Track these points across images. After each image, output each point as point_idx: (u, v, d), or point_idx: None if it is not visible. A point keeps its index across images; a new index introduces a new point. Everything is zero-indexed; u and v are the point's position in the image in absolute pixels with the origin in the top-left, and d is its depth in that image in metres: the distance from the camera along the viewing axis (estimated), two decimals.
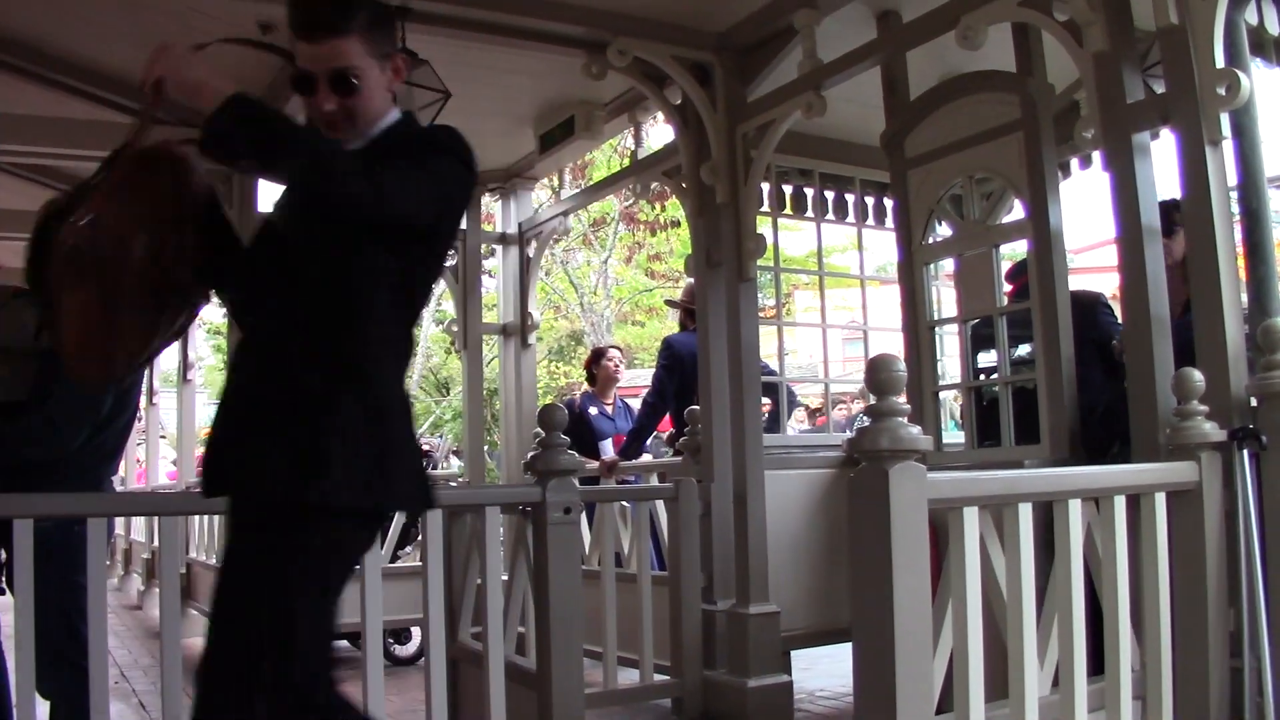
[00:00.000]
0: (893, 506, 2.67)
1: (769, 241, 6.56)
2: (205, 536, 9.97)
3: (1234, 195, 4.20)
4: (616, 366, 9.66)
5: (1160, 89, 4.31)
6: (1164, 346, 4.15)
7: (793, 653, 6.46)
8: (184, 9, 6.52)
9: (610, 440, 9.12)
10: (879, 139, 6.08)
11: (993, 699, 3.06)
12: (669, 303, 9.78)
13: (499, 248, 9.83)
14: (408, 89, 6.17)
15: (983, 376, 5.67)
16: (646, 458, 9.12)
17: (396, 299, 2.97)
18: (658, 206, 20.32)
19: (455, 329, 9.75)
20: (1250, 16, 4.39)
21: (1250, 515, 3.74)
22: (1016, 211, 5.38)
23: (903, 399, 2.75)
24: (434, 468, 18.30)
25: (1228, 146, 4.07)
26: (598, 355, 9.86)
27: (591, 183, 14.15)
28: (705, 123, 6.44)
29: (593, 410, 9.20)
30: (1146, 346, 4.16)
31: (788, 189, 7.33)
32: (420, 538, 4.74)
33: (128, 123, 7.78)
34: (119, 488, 15.85)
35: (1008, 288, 5.68)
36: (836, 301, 8.89)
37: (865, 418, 2.83)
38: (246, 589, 2.76)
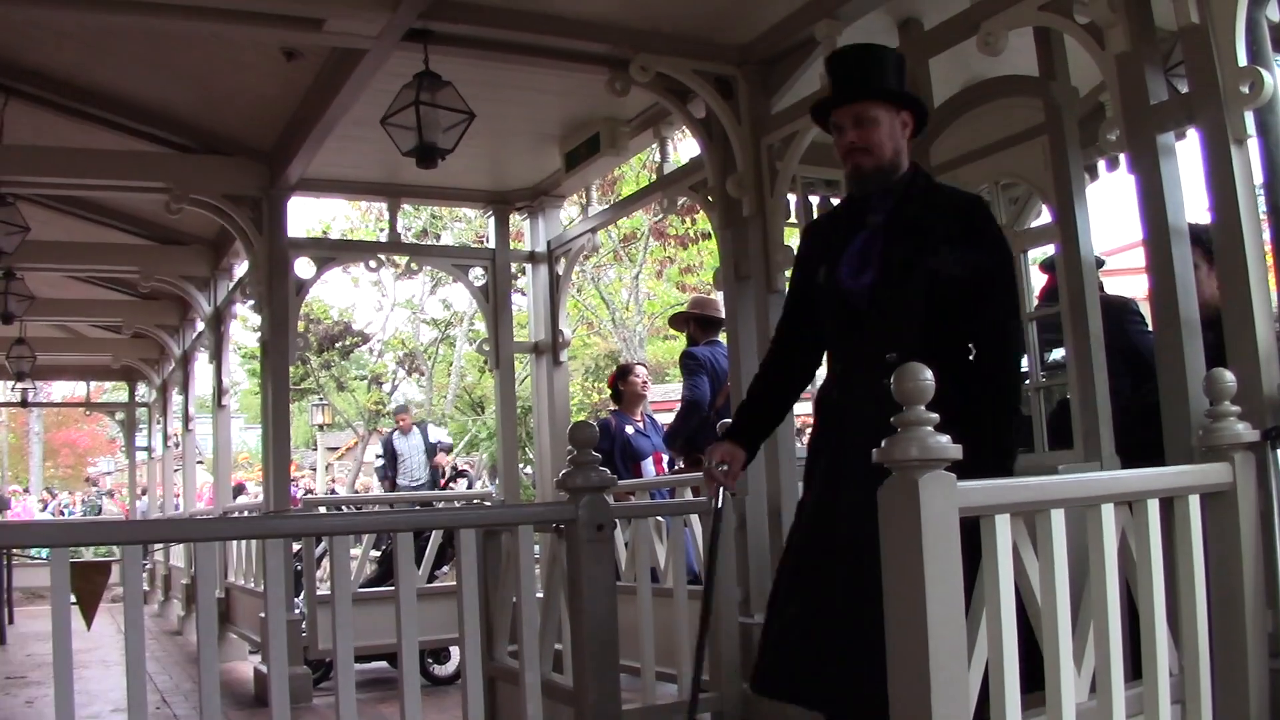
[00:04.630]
0: (923, 516, 2.66)
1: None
2: (243, 561, 10.00)
3: (1260, 193, 4.18)
4: (645, 383, 9.61)
5: (1184, 89, 4.29)
6: (1194, 347, 4.12)
7: None
8: (209, 39, 6.59)
9: (651, 459, 9.09)
10: None
11: (1030, 706, 3.05)
12: (674, 321, 9.72)
13: (529, 266, 9.87)
14: (430, 110, 6.23)
15: None
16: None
17: None
18: (688, 220, 20.34)
19: (488, 348, 9.78)
20: (1272, 13, 4.36)
21: None
22: (1044, 216, 5.36)
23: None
24: (470, 485, 18.33)
25: (1253, 145, 4.05)
26: (624, 372, 9.77)
27: (619, 198, 14.20)
28: (730, 136, 6.45)
29: (629, 430, 9.14)
30: (1177, 347, 4.13)
31: (814, 200, 7.31)
32: (456, 557, 4.73)
33: (155, 152, 7.93)
34: (155, 512, 15.99)
35: (1043, 279, 5.66)
36: None
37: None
38: None
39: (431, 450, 17.30)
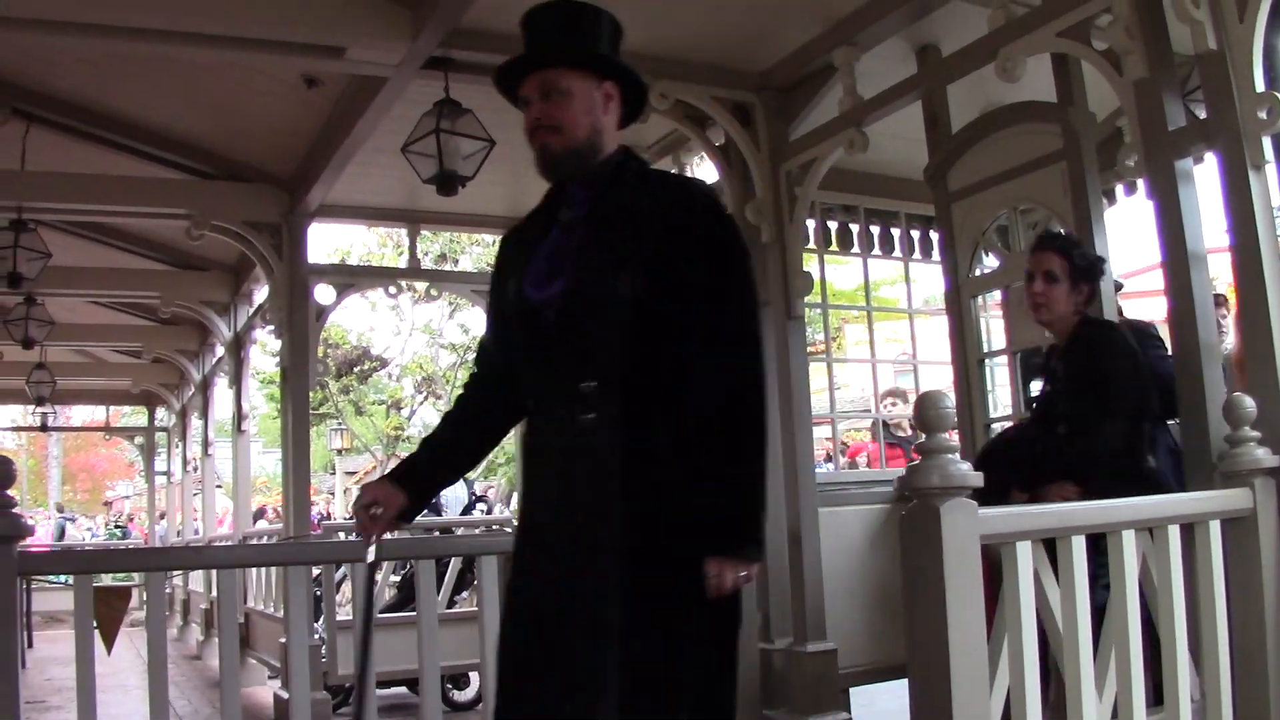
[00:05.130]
0: (945, 543, 2.67)
1: (816, 278, 6.58)
2: (263, 587, 10.02)
3: (1279, 218, 4.18)
4: None
5: (1202, 114, 4.29)
6: (1214, 372, 4.12)
7: (852, 690, 6.42)
8: (230, 67, 6.63)
9: None
10: (922, 173, 6.09)
11: None
12: None
13: None
14: (450, 138, 6.24)
15: (1034, 406, 5.65)
16: None
17: None
18: None
19: None
20: None
21: None
22: None
23: (953, 435, 2.75)
24: (489, 511, 18.28)
25: (1271, 170, 4.05)
26: None
27: None
28: (748, 162, 6.47)
29: None
30: (1197, 373, 4.13)
31: (833, 225, 7.35)
32: (476, 583, 4.74)
33: (176, 179, 7.96)
34: (174, 537, 16.01)
35: None
36: (888, 334, 8.85)
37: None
38: None
39: (471, 505, 17.06)
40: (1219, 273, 5.90)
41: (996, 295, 5.91)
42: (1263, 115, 3.93)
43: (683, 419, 2.86)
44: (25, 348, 10.85)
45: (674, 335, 2.88)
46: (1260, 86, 3.97)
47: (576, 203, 3.10)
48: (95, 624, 4.06)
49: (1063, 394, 4.55)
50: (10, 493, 3.59)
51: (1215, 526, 3.61)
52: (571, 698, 2.73)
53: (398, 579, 9.63)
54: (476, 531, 11.36)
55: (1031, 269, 4.59)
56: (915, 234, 7.60)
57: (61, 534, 27.69)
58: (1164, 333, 5.22)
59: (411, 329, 29.70)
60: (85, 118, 8.06)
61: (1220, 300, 5.38)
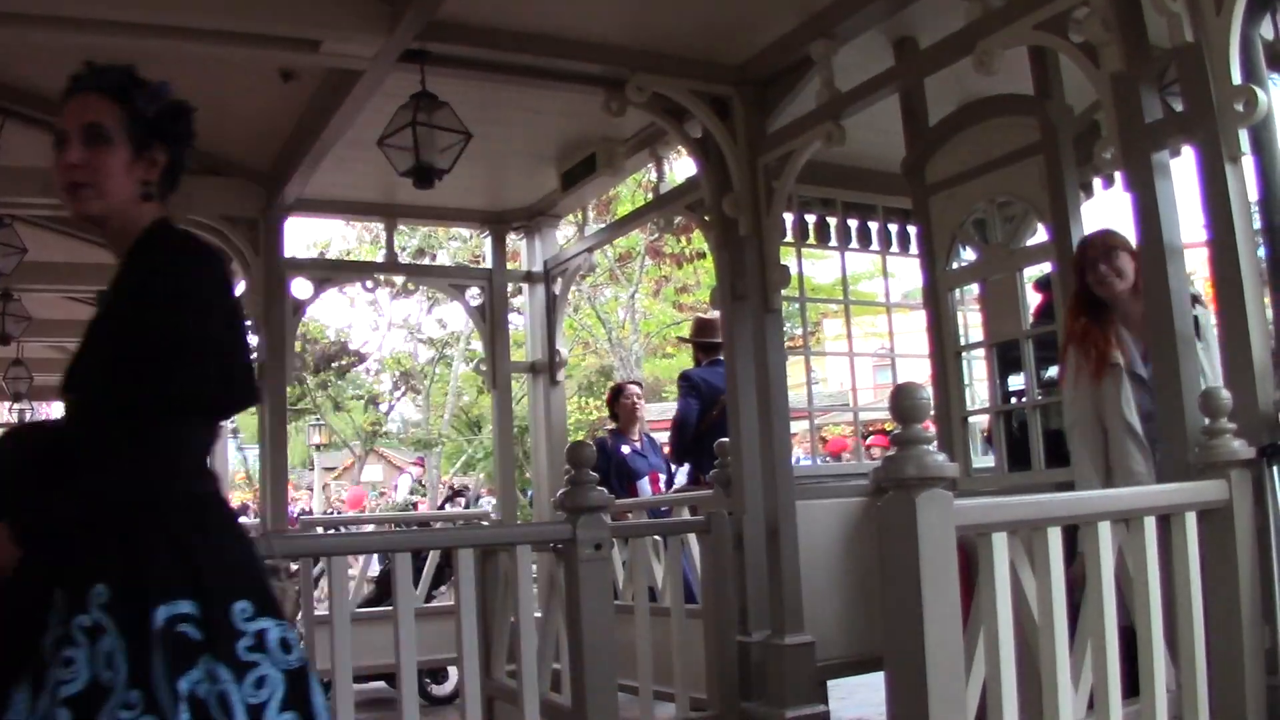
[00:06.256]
0: (921, 534, 2.67)
1: (793, 272, 6.57)
2: None
3: (1255, 210, 4.19)
4: (635, 403, 9.59)
5: (1179, 107, 4.30)
6: (1190, 364, 4.13)
7: (829, 682, 6.43)
8: (206, 60, 6.60)
9: (647, 479, 9.09)
10: (900, 166, 6.09)
11: None
12: (681, 339, 9.77)
13: (525, 286, 9.87)
14: (427, 131, 6.22)
15: (1012, 400, 5.66)
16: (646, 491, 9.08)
17: None
18: (683, 238, 20.36)
19: (484, 369, 9.78)
20: (1266, 31, 4.39)
21: None
22: (1041, 234, 5.38)
23: (929, 426, 2.75)
24: (468, 505, 18.27)
25: (1248, 162, 4.06)
26: (617, 392, 9.79)
27: (615, 218, 14.16)
28: (726, 155, 6.45)
29: (625, 449, 9.14)
30: (1173, 365, 4.14)
31: (811, 218, 7.35)
32: (454, 577, 4.74)
33: None
34: None
35: (1037, 297, 5.67)
36: (866, 328, 8.85)
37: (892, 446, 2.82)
38: None
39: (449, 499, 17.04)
40: (1195, 269, 5.93)
41: (974, 289, 5.92)
42: (1240, 108, 3.93)
43: None
44: (2, 344, 10.81)
45: None
46: (1237, 79, 3.97)
47: None
48: None
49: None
50: None
51: (1191, 518, 3.62)
52: None
53: (375, 573, 9.63)
54: (455, 525, 11.38)
55: (70, 128, 2.92)
56: (893, 227, 7.60)
57: None
58: None
59: (389, 324, 29.72)
60: (59, 112, 8.01)
61: (1194, 299, 5.40)
